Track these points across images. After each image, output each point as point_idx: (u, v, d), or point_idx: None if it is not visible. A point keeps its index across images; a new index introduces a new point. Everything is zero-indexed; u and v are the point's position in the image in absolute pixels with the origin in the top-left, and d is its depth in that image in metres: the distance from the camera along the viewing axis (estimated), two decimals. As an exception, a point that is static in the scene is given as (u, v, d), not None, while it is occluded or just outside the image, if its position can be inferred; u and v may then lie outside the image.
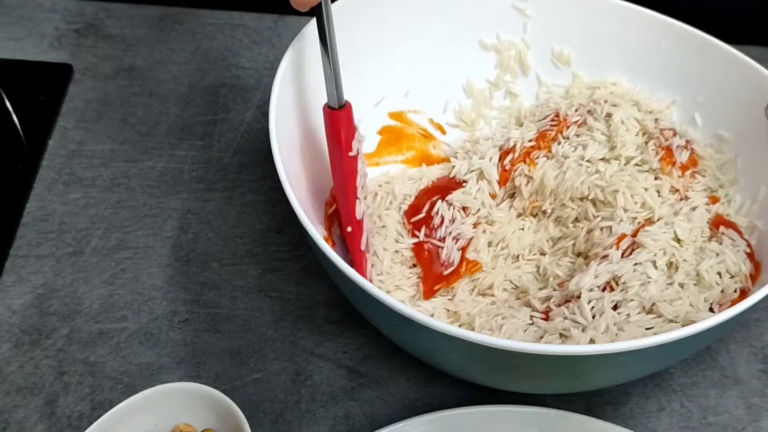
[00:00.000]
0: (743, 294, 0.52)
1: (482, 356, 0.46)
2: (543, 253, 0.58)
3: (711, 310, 0.52)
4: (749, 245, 0.54)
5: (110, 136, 0.68)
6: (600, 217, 0.56)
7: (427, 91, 0.64)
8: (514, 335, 0.51)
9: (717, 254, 0.53)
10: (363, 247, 0.55)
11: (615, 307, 0.51)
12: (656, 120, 0.59)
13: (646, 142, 0.58)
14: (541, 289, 0.55)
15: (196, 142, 0.68)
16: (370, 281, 0.53)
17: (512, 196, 0.59)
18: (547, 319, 0.52)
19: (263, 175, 0.66)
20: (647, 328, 0.50)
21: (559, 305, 0.52)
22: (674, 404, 0.55)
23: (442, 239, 0.56)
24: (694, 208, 0.56)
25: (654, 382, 0.56)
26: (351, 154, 0.53)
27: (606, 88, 0.62)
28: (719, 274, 0.53)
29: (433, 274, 0.56)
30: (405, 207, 0.59)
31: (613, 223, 0.55)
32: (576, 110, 0.59)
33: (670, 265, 0.53)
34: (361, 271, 0.54)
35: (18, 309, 0.57)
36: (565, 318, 0.51)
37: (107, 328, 0.57)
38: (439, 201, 0.57)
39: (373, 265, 0.56)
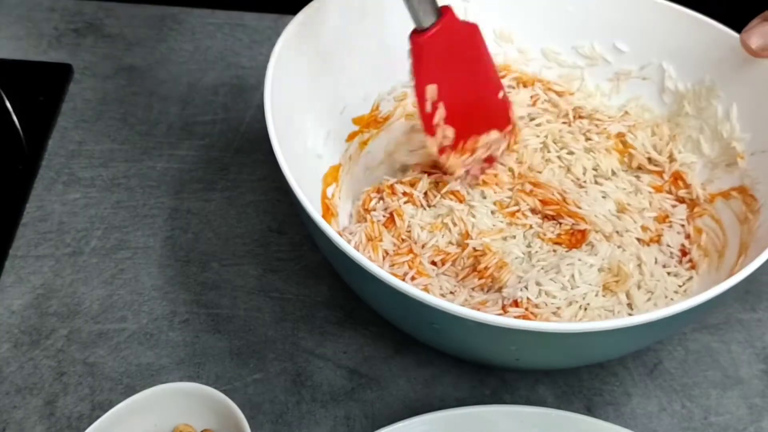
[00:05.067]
0: None
1: (548, 343, 0.47)
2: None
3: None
4: None
5: (110, 136, 0.67)
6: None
7: (380, 91, 0.64)
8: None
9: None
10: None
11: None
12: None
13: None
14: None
15: (196, 142, 0.68)
16: None
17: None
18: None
19: (263, 175, 0.65)
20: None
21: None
22: (675, 405, 0.55)
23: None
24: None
25: (655, 382, 0.56)
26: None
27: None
28: None
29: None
30: None
31: None
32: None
33: None
34: None
35: (17, 309, 0.57)
36: None
37: (107, 329, 0.57)
38: None
39: None
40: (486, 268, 0.55)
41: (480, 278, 0.55)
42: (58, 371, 0.54)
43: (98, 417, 0.48)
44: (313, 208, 0.48)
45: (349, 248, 0.46)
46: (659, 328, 0.49)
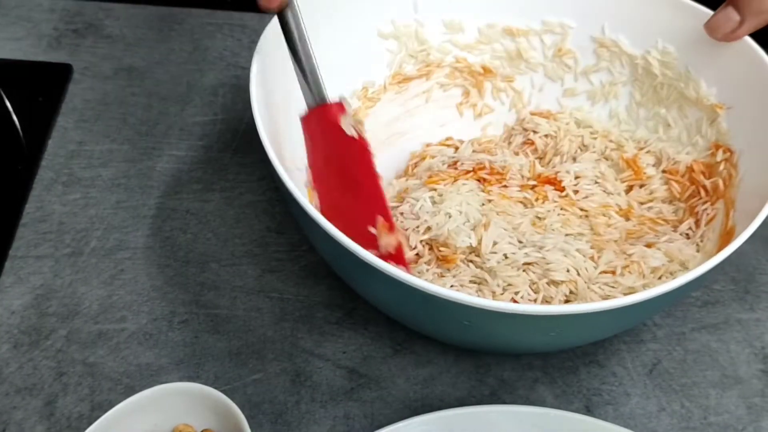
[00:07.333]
0: None
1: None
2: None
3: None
4: None
5: (109, 136, 0.68)
6: None
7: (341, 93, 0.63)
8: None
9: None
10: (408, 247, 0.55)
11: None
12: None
13: None
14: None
15: (196, 142, 0.68)
16: None
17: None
18: None
19: (262, 175, 0.65)
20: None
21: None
22: (674, 405, 0.55)
23: None
24: None
25: (654, 382, 0.56)
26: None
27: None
28: None
29: None
30: None
31: None
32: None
33: None
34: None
35: (17, 310, 0.57)
36: None
37: (106, 329, 0.57)
38: None
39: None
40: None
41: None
42: (57, 371, 0.55)
43: (98, 417, 0.48)
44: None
45: (374, 258, 0.45)
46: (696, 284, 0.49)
